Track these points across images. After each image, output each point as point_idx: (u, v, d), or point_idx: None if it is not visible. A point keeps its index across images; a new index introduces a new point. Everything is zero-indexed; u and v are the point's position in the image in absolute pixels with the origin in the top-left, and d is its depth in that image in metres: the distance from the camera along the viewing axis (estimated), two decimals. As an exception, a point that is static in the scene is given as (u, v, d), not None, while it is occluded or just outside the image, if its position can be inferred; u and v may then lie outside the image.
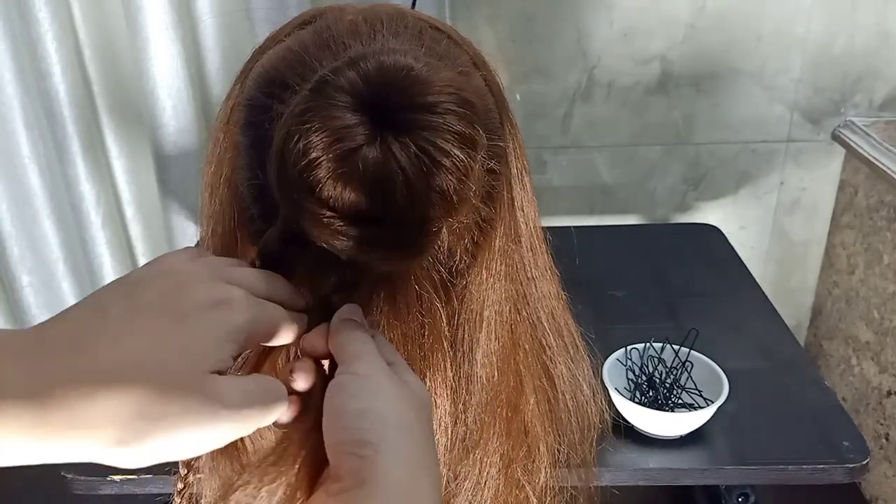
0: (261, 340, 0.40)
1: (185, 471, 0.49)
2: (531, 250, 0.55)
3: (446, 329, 0.49)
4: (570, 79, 1.61)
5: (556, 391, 0.61)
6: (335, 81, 0.40)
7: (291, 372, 0.41)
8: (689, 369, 0.98)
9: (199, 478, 0.60)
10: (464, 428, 0.53)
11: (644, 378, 0.99)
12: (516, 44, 1.58)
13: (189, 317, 0.37)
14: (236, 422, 0.36)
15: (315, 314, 0.44)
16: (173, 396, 0.34)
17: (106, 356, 0.34)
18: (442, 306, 0.48)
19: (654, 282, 1.30)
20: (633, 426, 0.95)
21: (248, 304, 0.39)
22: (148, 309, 0.36)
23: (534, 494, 0.59)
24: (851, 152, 1.58)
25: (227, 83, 0.54)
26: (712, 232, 1.49)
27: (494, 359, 0.53)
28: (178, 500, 0.50)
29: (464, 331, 0.51)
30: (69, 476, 0.93)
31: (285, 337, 0.42)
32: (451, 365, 0.50)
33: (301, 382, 0.41)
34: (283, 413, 0.39)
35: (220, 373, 0.36)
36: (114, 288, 0.38)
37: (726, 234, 1.47)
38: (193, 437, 0.34)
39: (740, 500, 1.28)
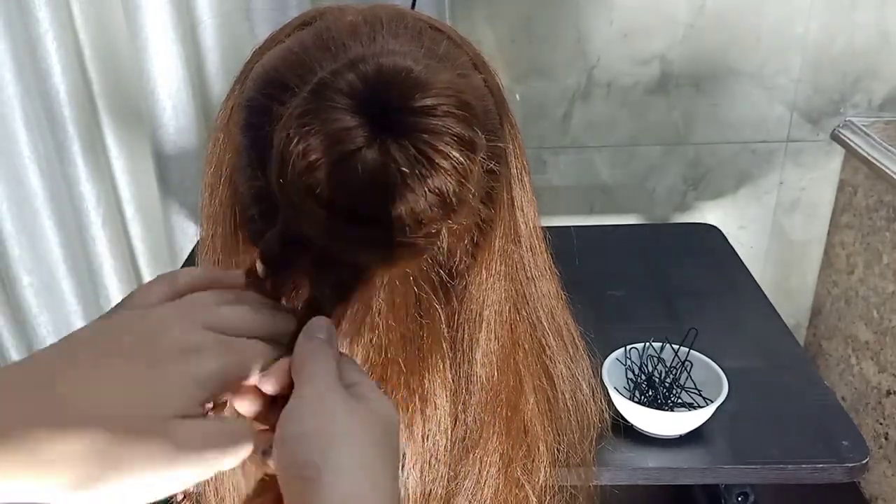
0: (236, 381, 0.39)
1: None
2: (531, 250, 0.55)
3: (445, 330, 0.49)
4: (570, 79, 1.61)
5: (556, 391, 0.61)
6: (334, 83, 0.40)
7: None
8: (688, 369, 0.98)
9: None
10: (464, 427, 0.53)
11: (643, 377, 0.99)
12: (516, 44, 1.58)
13: (157, 364, 0.36)
14: (195, 466, 0.35)
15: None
16: (133, 441, 0.34)
17: (70, 399, 0.34)
18: (441, 307, 0.48)
19: (653, 281, 1.30)
20: (632, 425, 0.95)
21: (220, 352, 0.38)
22: (118, 354, 0.37)
23: (533, 493, 0.59)
24: (851, 152, 1.58)
25: (226, 83, 0.54)
26: (712, 232, 1.49)
27: (494, 358, 0.53)
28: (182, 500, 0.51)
29: (463, 331, 0.51)
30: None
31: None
32: (450, 365, 0.50)
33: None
34: (247, 453, 0.38)
35: (186, 416, 0.36)
36: (87, 331, 0.38)
37: (726, 234, 1.47)
38: (152, 480, 0.34)
39: (739, 499, 1.28)
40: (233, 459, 0.37)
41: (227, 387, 0.39)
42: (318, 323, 0.42)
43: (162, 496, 0.35)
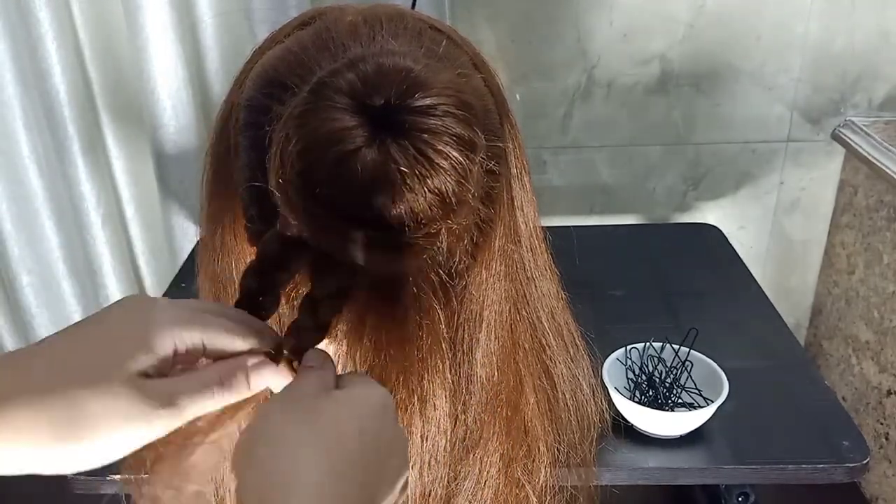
0: (196, 342, 0.40)
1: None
2: (531, 250, 0.55)
3: (445, 330, 0.49)
4: (570, 79, 1.61)
5: (556, 391, 0.61)
6: (334, 83, 0.40)
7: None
8: (688, 369, 0.98)
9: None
10: (464, 428, 0.53)
11: (644, 377, 0.99)
12: (516, 44, 1.58)
13: (118, 330, 0.39)
14: (167, 416, 0.37)
15: (308, 319, 0.44)
16: (95, 397, 0.36)
17: (36, 371, 0.37)
18: (440, 308, 0.48)
19: (653, 281, 1.30)
20: (632, 425, 0.95)
21: (181, 313, 0.40)
22: (86, 323, 0.39)
23: (534, 494, 0.59)
24: (851, 152, 1.58)
25: (226, 83, 0.54)
26: (712, 232, 1.49)
27: (494, 358, 0.53)
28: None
29: (463, 331, 0.51)
30: (69, 475, 0.93)
31: (238, 344, 0.42)
32: (450, 366, 0.50)
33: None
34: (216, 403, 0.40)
35: (154, 375, 0.38)
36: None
37: (726, 234, 1.47)
38: (124, 433, 0.36)
39: (740, 499, 1.28)
40: (207, 404, 0.39)
41: (185, 342, 0.40)
42: (315, 353, 0.43)
43: (137, 446, 0.37)
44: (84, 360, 0.37)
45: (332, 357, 0.49)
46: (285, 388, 0.41)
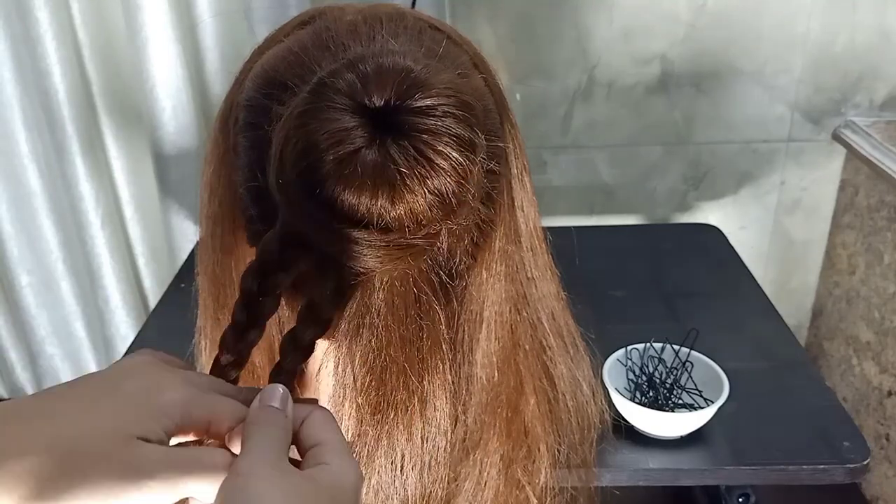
0: (202, 423, 0.40)
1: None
2: (531, 250, 0.55)
3: (445, 331, 0.49)
4: (571, 78, 1.61)
5: (557, 391, 0.61)
6: (334, 83, 0.40)
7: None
8: (689, 369, 0.98)
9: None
10: (464, 429, 0.53)
11: (644, 378, 0.99)
12: (516, 43, 1.58)
13: (120, 392, 0.38)
14: (155, 488, 0.36)
15: (309, 320, 0.44)
16: (85, 459, 0.35)
17: (34, 423, 0.36)
18: (441, 308, 0.48)
19: (654, 282, 1.30)
20: (633, 426, 0.95)
21: (184, 387, 0.39)
22: (84, 384, 0.39)
23: (534, 495, 0.59)
24: (852, 152, 1.57)
25: (226, 83, 0.53)
26: (712, 232, 1.49)
27: (495, 359, 0.53)
28: None
29: (464, 331, 0.51)
30: None
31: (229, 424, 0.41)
32: (450, 367, 0.50)
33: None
34: (217, 480, 0.38)
35: (149, 441, 0.37)
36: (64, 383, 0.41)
37: (726, 235, 1.47)
38: (107, 497, 0.35)
39: (741, 500, 1.28)
40: (199, 485, 0.37)
41: (193, 421, 0.39)
42: (273, 391, 0.41)
43: None
44: (87, 421, 0.36)
45: (332, 358, 0.48)
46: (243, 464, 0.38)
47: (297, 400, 0.42)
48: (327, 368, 0.49)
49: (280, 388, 0.41)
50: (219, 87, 1.52)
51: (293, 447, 0.40)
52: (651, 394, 0.98)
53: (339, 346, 0.48)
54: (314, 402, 0.44)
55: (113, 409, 0.37)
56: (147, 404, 0.38)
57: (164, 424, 0.37)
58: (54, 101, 1.53)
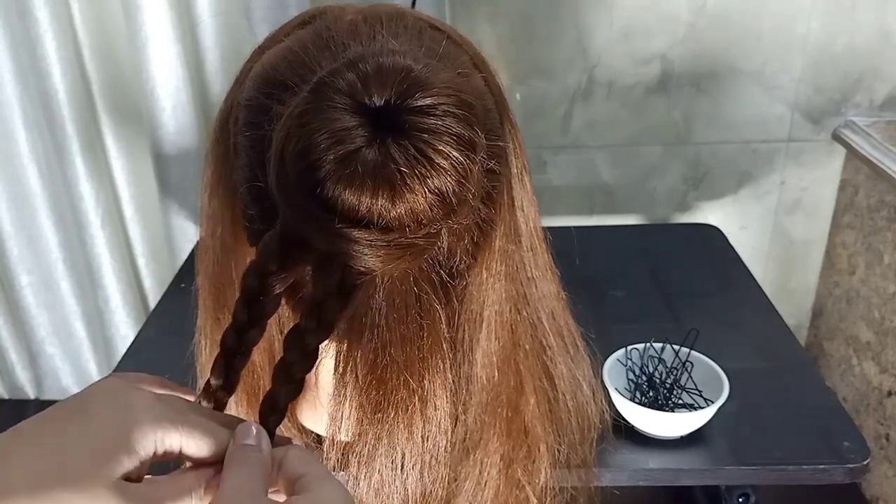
0: (176, 448, 0.40)
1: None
2: (531, 250, 0.55)
3: (445, 330, 0.49)
4: (571, 78, 1.61)
5: (557, 391, 0.61)
6: (334, 83, 0.40)
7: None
8: (689, 369, 0.98)
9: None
10: (464, 428, 0.53)
11: (644, 378, 0.99)
12: (516, 43, 1.58)
13: (93, 423, 0.38)
14: None
15: (311, 320, 0.44)
16: (84, 500, 0.35)
17: (17, 466, 0.35)
18: (441, 308, 0.48)
19: (654, 282, 1.30)
20: (633, 426, 0.95)
21: (160, 403, 0.39)
22: (65, 417, 0.38)
23: (534, 495, 0.59)
24: (852, 152, 1.58)
25: (226, 83, 0.53)
26: (712, 232, 1.49)
27: (495, 359, 0.53)
28: None
29: (464, 331, 0.51)
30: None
31: (209, 449, 0.41)
32: (450, 366, 0.50)
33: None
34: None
35: (135, 479, 0.37)
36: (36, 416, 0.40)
37: (727, 235, 1.47)
38: None
39: (741, 500, 1.28)
40: None
41: (167, 447, 0.39)
42: (247, 429, 0.41)
43: None
44: (66, 461, 0.36)
45: (332, 356, 0.48)
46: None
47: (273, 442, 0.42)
48: (327, 367, 0.49)
49: (254, 426, 0.41)
50: (219, 86, 1.52)
51: (280, 492, 0.41)
52: (651, 394, 0.98)
53: (339, 344, 0.48)
54: (288, 440, 0.44)
55: (88, 447, 0.37)
56: (120, 441, 0.37)
57: (141, 457, 0.38)
58: (54, 101, 1.53)
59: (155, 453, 0.38)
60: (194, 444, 0.40)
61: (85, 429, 0.37)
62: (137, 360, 1.13)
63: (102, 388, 0.40)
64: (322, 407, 0.56)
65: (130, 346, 1.17)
